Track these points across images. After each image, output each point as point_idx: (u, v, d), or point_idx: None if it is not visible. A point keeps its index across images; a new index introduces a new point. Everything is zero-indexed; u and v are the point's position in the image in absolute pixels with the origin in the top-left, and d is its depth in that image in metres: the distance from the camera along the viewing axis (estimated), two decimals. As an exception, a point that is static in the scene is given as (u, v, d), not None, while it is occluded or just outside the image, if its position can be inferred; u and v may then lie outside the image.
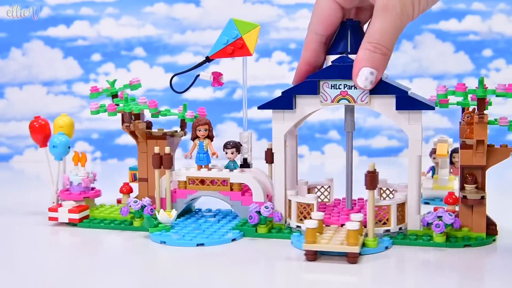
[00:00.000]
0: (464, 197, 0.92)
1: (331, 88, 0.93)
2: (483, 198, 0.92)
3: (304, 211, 0.94)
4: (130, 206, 0.99)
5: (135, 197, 1.06)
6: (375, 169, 0.87)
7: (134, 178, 1.12)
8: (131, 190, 1.12)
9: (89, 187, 1.09)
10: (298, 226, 0.95)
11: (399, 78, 1.91)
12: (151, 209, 0.99)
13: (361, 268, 0.81)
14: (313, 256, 0.83)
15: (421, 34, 1.92)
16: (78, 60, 1.91)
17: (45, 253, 0.91)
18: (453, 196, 0.99)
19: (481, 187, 0.93)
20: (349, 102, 0.93)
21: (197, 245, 0.90)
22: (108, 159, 1.92)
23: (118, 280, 0.78)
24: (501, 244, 0.91)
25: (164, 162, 1.01)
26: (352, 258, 0.81)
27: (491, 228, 0.93)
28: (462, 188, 0.94)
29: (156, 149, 1.02)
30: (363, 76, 0.87)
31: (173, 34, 1.91)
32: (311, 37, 0.93)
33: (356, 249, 0.81)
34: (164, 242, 0.92)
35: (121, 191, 1.12)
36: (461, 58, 1.91)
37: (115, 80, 1.09)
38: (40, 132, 1.11)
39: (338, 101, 0.94)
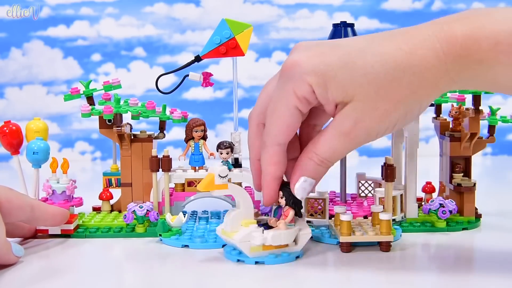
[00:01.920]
0: (459, 185, 1.00)
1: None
2: (474, 185, 1.01)
3: (315, 206, 0.96)
4: (134, 211, 0.94)
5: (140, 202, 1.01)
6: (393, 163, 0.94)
7: (109, 184, 1.07)
8: (111, 197, 1.06)
9: (72, 195, 1.00)
10: (308, 221, 0.96)
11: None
12: (157, 213, 0.96)
13: (394, 255, 0.86)
14: (348, 247, 0.86)
15: (421, 34, 1.92)
16: (78, 60, 1.91)
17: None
18: (429, 185, 1.09)
19: (467, 175, 1.03)
20: None
21: (222, 246, 0.89)
22: (108, 159, 1.92)
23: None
24: (485, 225, 1.02)
25: (163, 164, 1.00)
26: (386, 247, 0.87)
27: (475, 212, 1.02)
28: (451, 177, 1.02)
29: (154, 152, 1.00)
30: (302, 188, 0.79)
31: (173, 34, 1.91)
32: (274, 150, 0.79)
33: (390, 238, 0.86)
34: (187, 246, 0.89)
35: (100, 197, 1.06)
36: (461, 58, 1.91)
37: (89, 81, 1.06)
38: (12, 138, 1.00)
39: None
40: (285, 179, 0.83)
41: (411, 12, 1.91)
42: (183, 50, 1.91)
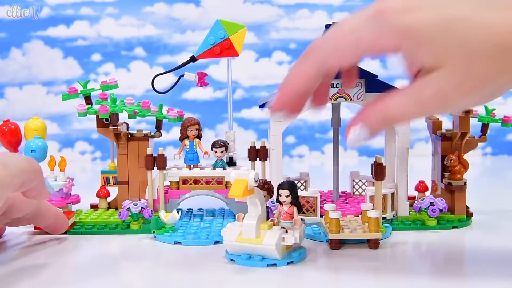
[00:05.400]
0: (449, 183, 1.00)
1: (330, 87, 0.96)
2: (465, 184, 1.01)
3: (307, 204, 0.97)
4: (128, 209, 0.96)
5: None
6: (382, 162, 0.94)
7: (106, 182, 1.09)
8: (108, 194, 1.08)
9: (69, 193, 1.02)
10: (302, 219, 0.96)
11: (399, 78, 1.91)
12: (151, 211, 0.97)
13: (383, 252, 0.86)
14: (337, 245, 0.87)
15: (421, 34, 1.92)
16: (78, 60, 1.91)
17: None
18: (422, 184, 1.08)
19: None
20: (346, 100, 0.97)
21: (214, 243, 0.90)
22: (108, 158, 1.91)
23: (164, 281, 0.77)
24: (476, 223, 1.02)
25: (158, 163, 1.01)
26: (374, 244, 0.87)
27: (467, 211, 1.02)
28: (442, 176, 1.02)
29: (149, 150, 1.01)
30: (357, 135, 0.74)
31: (173, 34, 1.92)
32: (316, 66, 0.72)
33: (378, 235, 0.87)
34: (179, 243, 0.91)
35: (98, 195, 1.08)
36: (461, 58, 1.91)
37: (87, 81, 1.08)
38: (11, 136, 1.02)
39: (335, 99, 0.97)
40: (284, 178, 0.84)
41: (411, 12, 1.91)
42: (183, 50, 1.91)
